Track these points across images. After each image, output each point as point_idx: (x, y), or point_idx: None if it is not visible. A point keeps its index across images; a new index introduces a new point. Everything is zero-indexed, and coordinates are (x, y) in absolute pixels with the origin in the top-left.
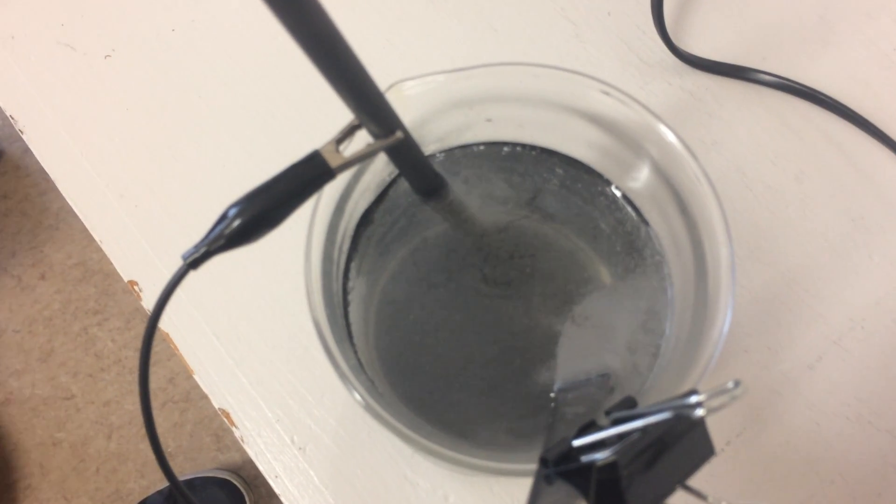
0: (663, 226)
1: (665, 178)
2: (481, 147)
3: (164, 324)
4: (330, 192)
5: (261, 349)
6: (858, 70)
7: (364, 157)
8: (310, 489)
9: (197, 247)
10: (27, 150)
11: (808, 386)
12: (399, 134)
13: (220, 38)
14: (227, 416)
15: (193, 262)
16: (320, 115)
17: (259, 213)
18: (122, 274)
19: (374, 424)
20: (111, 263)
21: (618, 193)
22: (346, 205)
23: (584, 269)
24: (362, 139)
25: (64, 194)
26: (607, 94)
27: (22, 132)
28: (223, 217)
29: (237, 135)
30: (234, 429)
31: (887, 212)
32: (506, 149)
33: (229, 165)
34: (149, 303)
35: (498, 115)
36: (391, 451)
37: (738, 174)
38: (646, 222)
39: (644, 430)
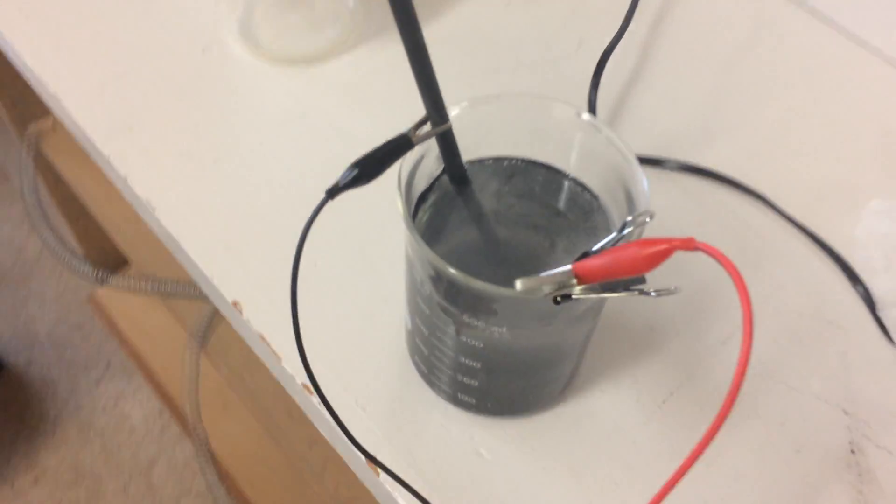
0: (606, 192)
1: (607, 164)
2: (490, 161)
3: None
4: (405, 177)
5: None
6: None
7: (428, 137)
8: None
9: (334, 185)
10: (31, 362)
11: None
12: (448, 124)
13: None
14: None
15: (331, 192)
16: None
17: (369, 165)
18: (226, 296)
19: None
20: (103, 464)
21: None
22: (413, 182)
23: (556, 223)
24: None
25: (180, 241)
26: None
27: (154, 209)
28: (348, 169)
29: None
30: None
31: (774, 263)
32: (505, 163)
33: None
34: (252, 316)
35: (496, 135)
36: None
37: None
38: (595, 196)
39: None
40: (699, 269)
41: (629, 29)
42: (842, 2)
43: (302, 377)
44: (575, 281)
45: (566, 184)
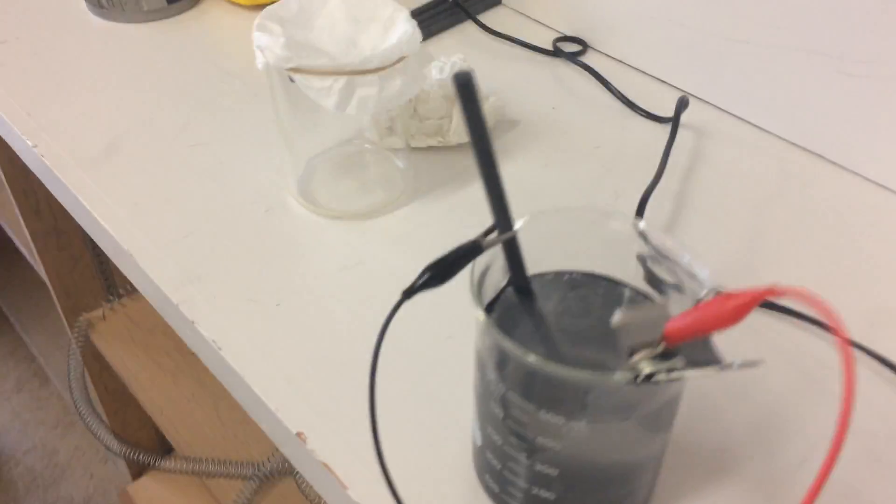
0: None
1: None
2: (551, 275)
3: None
4: (476, 276)
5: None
6: None
7: (495, 243)
8: None
9: (409, 287)
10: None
11: None
12: (514, 232)
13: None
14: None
15: (407, 293)
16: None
17: (441, 267)
18: (289, 427)
19: None
20: None
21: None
22: (482, 289)
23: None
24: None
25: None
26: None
27: (220, 348)
28: (421, 273)
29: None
30: None
31: (838, 385)
32: (566, 276)
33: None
34: (316, 445)
35: (557, 249)
36: None
37: None
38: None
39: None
40: (767, 390)
41: (661, 184)
42: (860, 152)
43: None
44: (662, 344)
45: (626, 293)
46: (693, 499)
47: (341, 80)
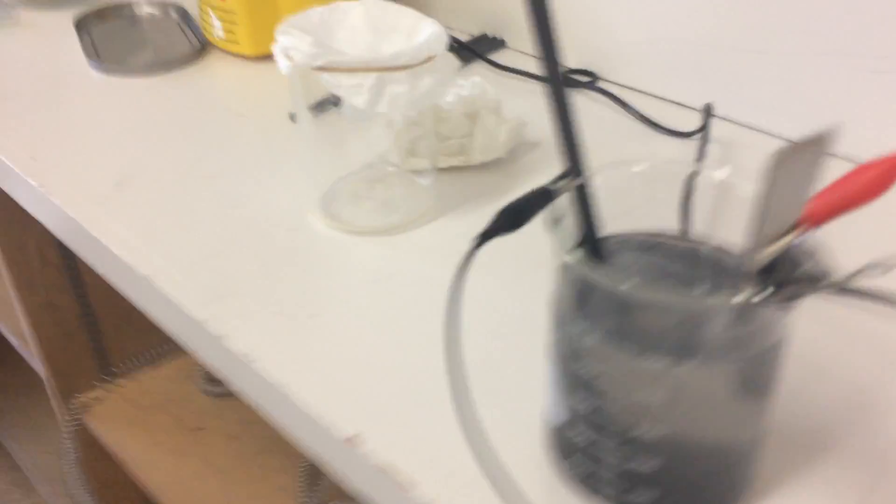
0: None
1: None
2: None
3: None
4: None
5: None
6: None
7: (568, 189)
8: None
9: (483, 231)
10: None
11: None
12: (586, 177)
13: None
14: None
15: (481, 237)
16: None
17: (513, 213)
18: (337, 434)
19: None
20: None
21: None
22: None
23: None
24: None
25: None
26: None
27: (253, 361)
28: (496, 217)
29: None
30: None
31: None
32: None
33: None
34: (371, 449)
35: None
36: None
37: None
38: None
39: None
40: (848, 369)
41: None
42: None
43: (440, 501)
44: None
45: (708, 251)
46: (797, 479)
47: (371, 78)
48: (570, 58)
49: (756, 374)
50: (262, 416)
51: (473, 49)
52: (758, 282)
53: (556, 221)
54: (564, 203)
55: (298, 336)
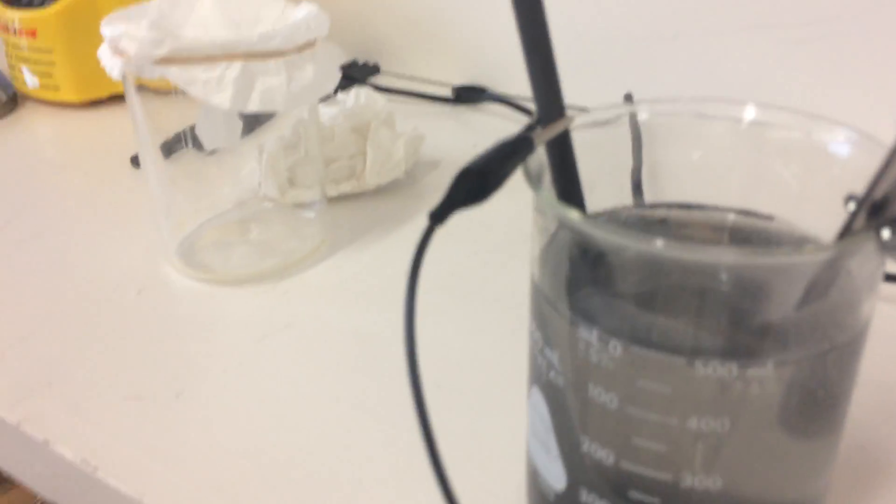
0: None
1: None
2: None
3: None
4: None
5: None
6: None
7: (550, 135)
8: None
9: (439, 205)
10: None
11: None
12: (569, 119)
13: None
14: None
15: (436, 215)
16: None
17: (483, 172)
18: None
19: None
20: None
21: None
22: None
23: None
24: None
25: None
26: None
27: (95, 469)
28: (455, 183)
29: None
30: None
31: None
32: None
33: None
34: None
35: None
36: None
37: None
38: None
39: None
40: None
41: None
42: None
43: None
44: None
45: (728, 216)
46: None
47: (235, 68)
48: (453, 75)
49: (842, 378)
50: None
51: (351, 75)
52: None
53: (535, 179)
54: (540, 158)
55: (162, 425)
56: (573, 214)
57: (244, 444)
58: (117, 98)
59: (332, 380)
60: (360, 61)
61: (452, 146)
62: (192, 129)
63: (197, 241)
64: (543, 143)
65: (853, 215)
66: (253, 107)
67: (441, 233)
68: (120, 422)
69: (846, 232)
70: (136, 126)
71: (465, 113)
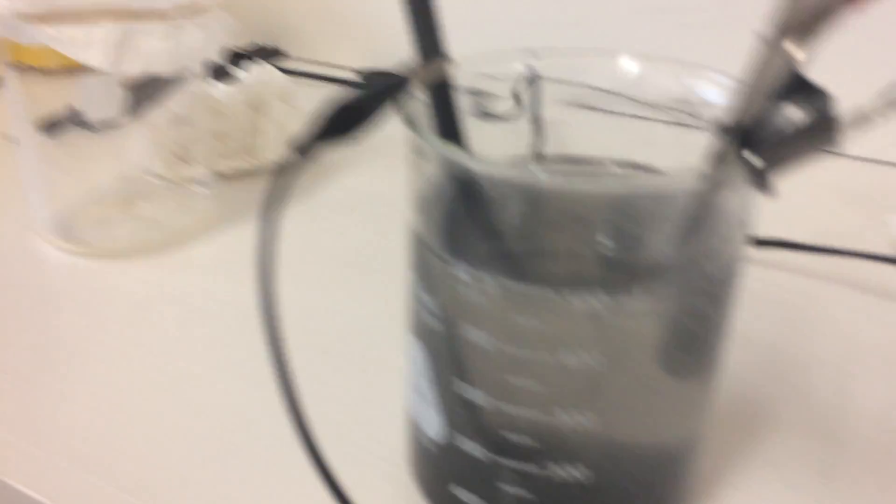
0: None
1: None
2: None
3: None
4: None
5: None
6: None
7: (430, 78)
8: None
9: (304, 139)
10: None
11: None
12: (447, 60)
13: None
14: None
15: (301, 148)
16: None
17: (348, 107)
18: None
19: None
20: None
21: None
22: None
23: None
24: None
25: None
26: None
27: None
28: (323, 112)
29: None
30: None
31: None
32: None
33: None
34: None
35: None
36: None
37: None
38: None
39: None
40: (761, 333)
41: None
42: None
43: None
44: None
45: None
46: (741, 469)
47: (108, 27)
48: (358, 59)
49: (714, 313)
50: None
51: (250, 55)
52: (736, 143)
53: (413, 121)
54: (417, 103)
55: (26, 399)
56: (452, 149)
57: (115, 419)
58: None
59: (214, 350)
60: (263, 45)
61: None
62: (74, 109)
63: (76, 217)
64: (420, 84)
65: (719, 145)
66: (132, 68)
67: (338, 207)
68: None
69: (714, 162)
70: (11, 99)
71: None
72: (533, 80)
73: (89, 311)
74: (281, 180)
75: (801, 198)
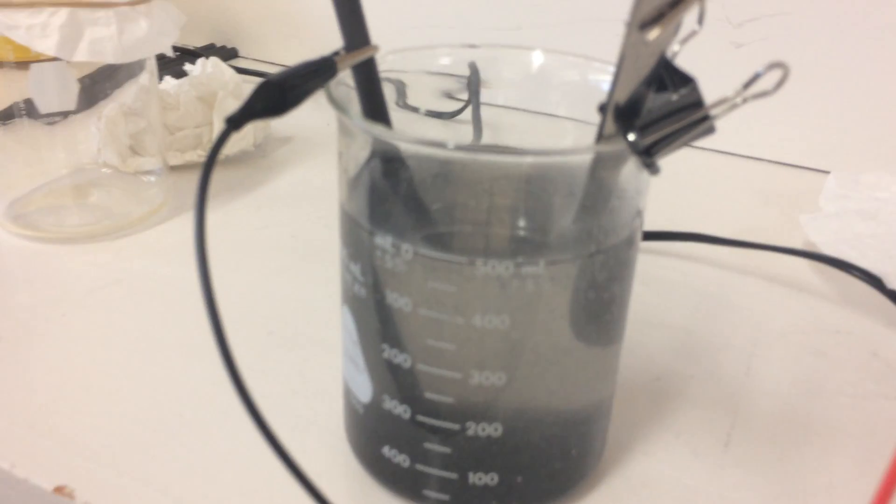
0: None
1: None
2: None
3: None
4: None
5: None
6: None
7: (354, 62)
8: None
9: (236, 112)
10: None
11: None
12: (374, 48)
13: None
14: None
15: (233, 120)
16: None
17: (283, 87)
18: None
19: None
20: None
21: None
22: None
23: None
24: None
25: None
26: None
27: None
28: (254, 92)
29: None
30: None
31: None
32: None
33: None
34: (92, 496)
35: None
36: None
37: None
38: None
39: None
40: (675, 315)
41: None
42: None
43: None
44: None
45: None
46: (651, 436)
47: (61, 14)
48: None
49: (611, 281)
50: None
51: (203, 54)
52: (621, 124)
53: (340, 103)
54: (345, 89)
55: None
56: (374, 126)
57: (66, 386)
58: None
59: (160, 328)
60: (218, 45)
61: (306, 124)
62: (27, 101)
63: (28, 204)
64: (347, 67)
65: (602, 121)
66: (81, 56)
67: (280, 199)
68: None
69: (599, 138)
70: None
71: (320, 94)
72: (472, 73)
73: (42, 291)
74: (217, 148)
75: (723, 198)
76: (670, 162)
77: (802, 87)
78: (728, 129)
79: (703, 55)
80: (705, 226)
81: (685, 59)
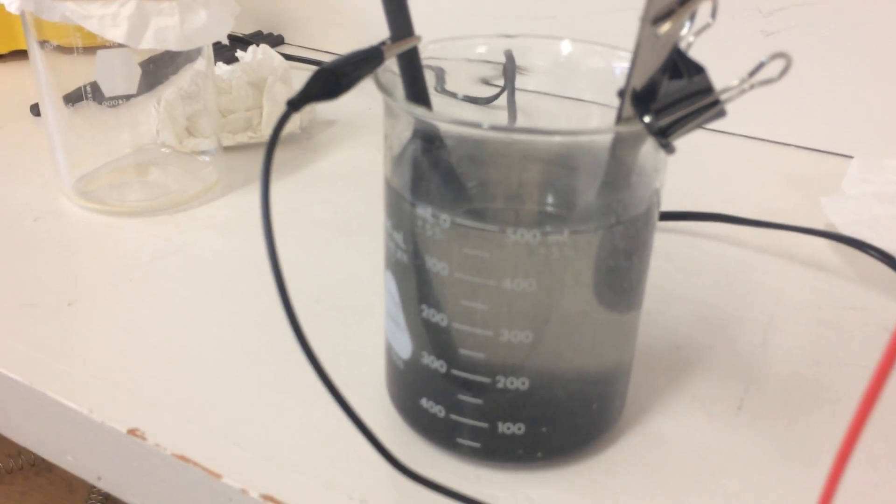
0: None
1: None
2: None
3: None
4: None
5: None
6: None
7: (399, 50)
8: None
9: (295, 96)
10: None
11: None
12: (417, 39)
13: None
14: None
15: (293, 103)
16: None
17: (335, 74)
18: (118, 426)
19: None
20: None
21: None
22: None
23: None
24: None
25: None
26: None
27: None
28: (311, 78)
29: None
30: None
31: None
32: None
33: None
34: (162, 440)
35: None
36: None
37: None
38: None
39: None
40: (695, 289)
41: None
42: None
43: (257, 488)
44: None
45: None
46: (669, 398)
47: (130, 5)
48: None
49: (630, 252)
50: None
51: (252, 41)
52: (639, 106)
53: (386, 88)
54: (390, 75)
55: (54, 328)
56: (417, 108)
57: (136, 343)
58: (17, 53)
59: (215, 294)
60: (265, 32)
61: (348, 109)
62: (93, 84)
63: (94, 180)
64: (393, 55)
65: (621, 105)
66: (147, 44)
67: (331, 176)
68: (14, 324)
69: (618, 121)
70: (37, 74)
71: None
72: (508, 61)
73: (109, 260)
74: (279, 128)
75: (749, 181)
76: (700, 147)
77: (829, 74)
78: (756, 115)
79: (734, 43)
80: (730, 207)
81: (717, 47)
